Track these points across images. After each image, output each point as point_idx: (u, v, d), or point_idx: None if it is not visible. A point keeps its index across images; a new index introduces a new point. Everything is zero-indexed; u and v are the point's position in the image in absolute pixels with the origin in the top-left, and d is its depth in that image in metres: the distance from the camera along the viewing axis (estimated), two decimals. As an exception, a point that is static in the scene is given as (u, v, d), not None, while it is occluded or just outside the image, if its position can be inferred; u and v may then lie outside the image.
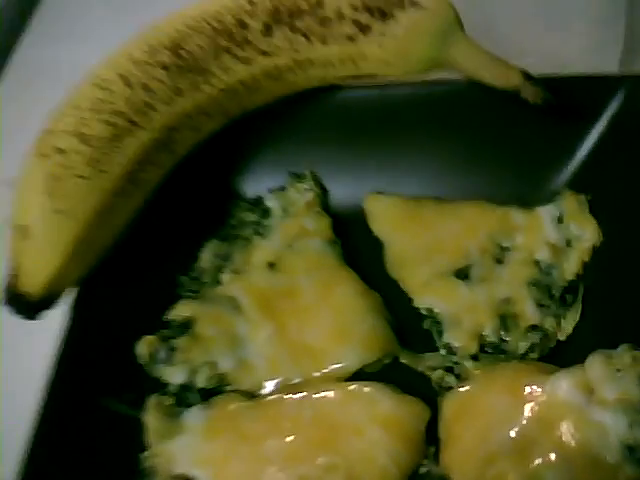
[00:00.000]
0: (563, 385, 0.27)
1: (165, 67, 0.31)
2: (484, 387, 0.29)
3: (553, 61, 0.35)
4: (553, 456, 0.26)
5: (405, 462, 0.29)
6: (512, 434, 0.27)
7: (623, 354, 0.26)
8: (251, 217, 0.36)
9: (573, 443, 0.26)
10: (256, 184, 0.36)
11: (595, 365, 0.27)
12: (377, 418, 0.29)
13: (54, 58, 0.52)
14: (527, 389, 0.28)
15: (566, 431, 0.26)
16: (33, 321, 0.30)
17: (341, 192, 0.36)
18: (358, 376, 0.31)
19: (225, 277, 0.34)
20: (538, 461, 0.27)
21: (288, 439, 0.29)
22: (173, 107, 0.32)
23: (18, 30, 0.56)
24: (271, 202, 0.36)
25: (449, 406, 0.29)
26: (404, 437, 0.29)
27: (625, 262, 0.31)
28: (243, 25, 0.32)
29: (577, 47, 0.37)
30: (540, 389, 0.28)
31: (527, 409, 0.27)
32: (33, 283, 0.29)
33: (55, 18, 0.53)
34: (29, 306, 0.29)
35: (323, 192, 0.36)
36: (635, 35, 0.39)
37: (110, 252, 0.32)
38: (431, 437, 0.29)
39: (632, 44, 0.38)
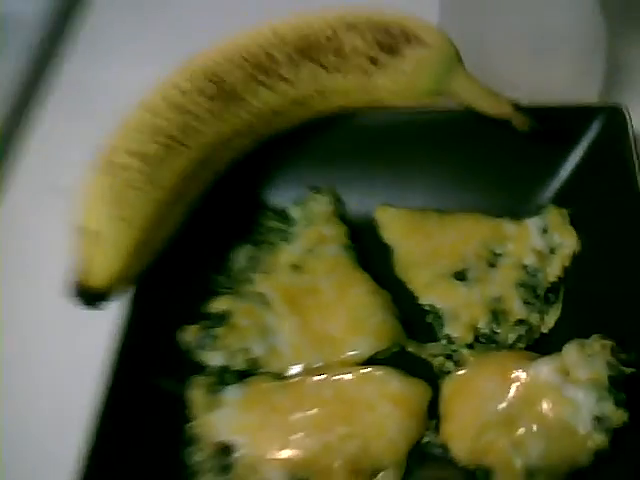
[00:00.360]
0: (544, 369, 0.31)
1: (207, 96, 0.34)
2: (478, 371, 0.33)
3: (539, 93, 0.37)
4: (534, 427, 0.30)
5: (411, 433, 0.32)
6: (500, 409, 0.31)
7: (594, 342, 0.30)
8: (277, 225, 0.38)
9: (551, 416, 0.30)
10: (282, 197, 0.39)
11: (570, 351, 0.30)
12: (387, 396, 0.32)
13: (98, 79, 0.52)
14: (514, 373, 0.31)
15: (545, 406, 0.30)
16: (97, 311, 0.33)
17: (355, 204, 0.39)
18: (371, 361, 0.34)
19: (256, 276, 0.37)
20: (522, 431, 0.30)
21: (311, 412, 0.32)
22: (213, 130, 0.35)
23: (63, 49, 0.56)
24: (295, 212, 0.39)
25: (448, 387, 0.33)
26: (410, 412, 0.32)
27: (599, 267, 0.34)
28: (272, 59, 0.35)
29: (561, 81, 0.39)
30: (525, 372, 0.31)
31: (513, 389, 0.31)
32: (99, 279, 0.32)
33: (100, 40, 0.55)
34: (95, 298, 0.33)
35: (339, 204, 0.39)
36: (611, 71, 0.41)
37: (161, 254, 0.35)
38: (432, 412, 0.32)
39: (609, 78, 0.41)
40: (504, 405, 0.31)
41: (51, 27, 0.57)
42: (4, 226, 0.46)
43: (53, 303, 0.36)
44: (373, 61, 0.36)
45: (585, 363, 0.30)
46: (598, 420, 0.29)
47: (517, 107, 0.35)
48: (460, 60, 0.36)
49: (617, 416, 0.29)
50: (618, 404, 0.29)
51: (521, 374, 0.31)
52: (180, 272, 0.36)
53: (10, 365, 0.39)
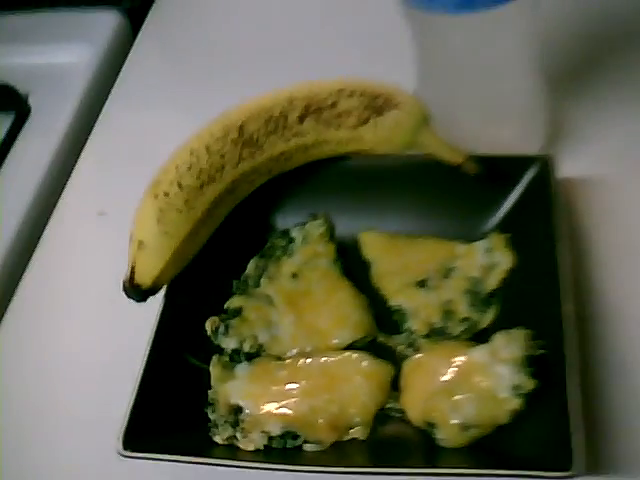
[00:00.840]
0: (479, 353, 0.36)
1: (233, 141, 0.41)
2: (430, 355, 0.38)
3: (489, 146, 0.43)
4: (468, 394, 0.36)
5: (377, 400, 0.38)
6: (444, 382, 0.36)
7: (515, 332, 0.36)
8: (281, 243, 0.44)
9: (481, 385, 0.35)
10: (286, 220, 0.45)
11: (498, 338, 0.36)
12: (360, 372, 0.38)
13: (138, 122, 0.58)
14: (457, 356, 0.37)
15: (477, 378, 0.36)
16: (143, 303, 0.40)
17: (343, 228, 0.44)
18: (350, 347, 0.39)
19: (263, 281, 0.42)
20: (459, 397, 0.36)
21: (302, 383, 0.38)
22: (237, 168, 0.41)
23: (106, 94, 0.61)
24: (295, 233, 0.44)
25: (407, 366, 0.38)
26: (377, 384, 0.38)
27: (526, 279, 0.39)
28: (285, 116, 0.42)
29: (509, 137, 0.45)
30: (465, 356, 0.37)
31: (455, 367, 0.36)
32: (144, 278, 0.39)
33: (138, 87, 0.61)
34: (140, 293, 0.39)
35: (331, 227, 0.44)
36: (551, 129, 0.47)
37: (192, 261, 0.41)
38: (395, 386, 0.38)
39: (549, 134, 0.47)
40: (447, 378, 0.36)
41: (98, 75, 0.62)
42: (62, 241, 0.52)
43: (108, 299, 0.43)
44: (362, 120, 0.42)
45: (508, 346, 0.35)
46: (515, 388, 0.35)
47: (469, 157, 0.42)
48: (428, 121, 0.42)
49: (529, 384, 0.34)
50: (530, 375, 0.34)
51: (462, 357, 0.37)
52: (206, 276, 0.42)
53: (73, 345, 0.46)
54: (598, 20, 0.55)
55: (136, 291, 0.39)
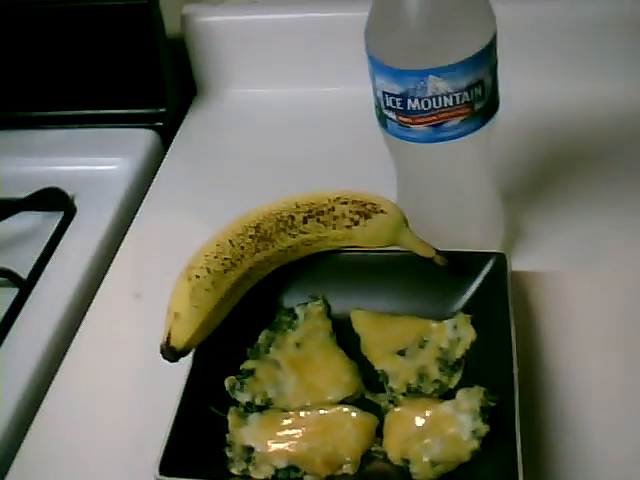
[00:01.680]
0: (446, 406, 0.43)
1: (251, 237, 0.48)
2: (408, 408, 0.44)
3: (455, 245, 0.50)
4: (437, 438, 0.41)
5: (364, 444, 0.43)
6: (418, 429, 0.42)
7: (474, 389, 0.42)
8: (287, 318, 0.50)
9: (447, 431, 0.41)
10: (291, 300, 0.51)
11: (461, 393, 0.43)
12: (350, 421, 0.44)
13: (166, 224, 0.64)
14: (429, 410, 0.43)
15: (444, 425, 0.42)
16: (176, 363, 0.45)
17: (338, 307, 0.51)
18: (342, 402, 0.45)
19: (272, 349, 0.48)
20: (428, 440, 0.41)
21: (303, 429, 0.44)
22: (253, 258, 0.48)
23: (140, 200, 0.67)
24: (298, 311, 0.50)
25: (389, 417, 0.44)
26: (365, 431, 0.44)
27: (485, 349, 0.46)
28: (292, 217, 0.49)
29: (473, 237, 0.53)
30: (434, 409, 0.43)
31: (426, 418, 0.43)
32: (178, 342, 0.45)
33: (168, 194, 0.67)
34: (174, 355, 0.45)
35: (328, 307, 0.50)
36: (505, 231, 0.55)
37: (215, 331, 0.47)
38: (379, 433, 0.43)
39: (504, 236, 0.55)
40: (420, 427, 0.42)
41: (134, 183, 0.69)
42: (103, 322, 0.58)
43: (147, 363, 0.50)
44: (354, 222, 0.49)
45: (468, 399, 0.42)
46: (473, 432, 0.40)
47: (438, 251, 0.48)
48: (406, 222, 0.49)
49: (484, 429, 0.40)
50: (485, 422, 0.41)
51: (432, 410, 0.43)
52: (226, 343, 0.48)
53: (121, 403, 0.51)
54: (546, 136, 0.64)
55: (171, 352, 0.45)
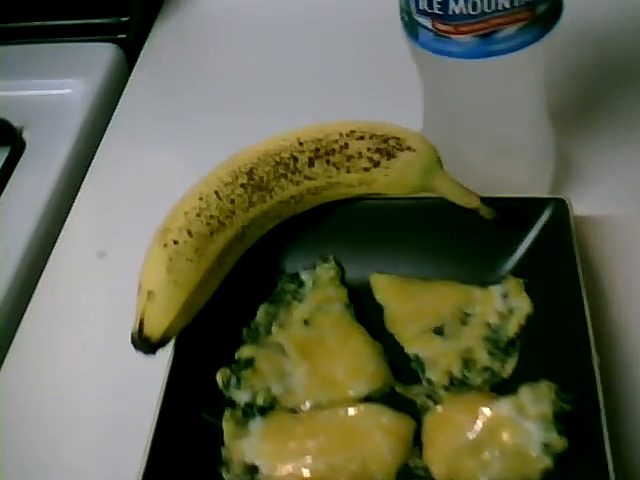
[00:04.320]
0: (504, 406, 0.34)
1: (243, 186, 0.39)
2: (452, 408, 0.36)
3: (496, 189, 0.41)
4: (496, 451, 0.33)
5: (399, 456, 0.35)
6: (469, 438, 0.34)
7: (542, 385, 0.34)
8: (291, 287, 0.41)
9: (509, 442, 0.33)
10: (295, 264, 0.42)
11: (524, 392, 0.34)
12: (380, 427, 0.35)
13: (136, 157, 0.54)
14: (480, 409, 0.35)
15: (504, 435, 0.33)
16: (152, 355, 0.37)
17: (354, 271, 0.42)
18: (366, 399, 0.37)
19: (274, 329, 0.40)
20: (486, 454, 0.33)
21: (320, 439, 0.35)
22: (247, 213, 0.39)
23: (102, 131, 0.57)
24: (305, 277, 0.42)
25: (428, 420, 0.36)
26: (398, 440, 0.35)
27: (547, 326, 0.38)
28: (295, 159, 0.40)
29: (518, 179, 0.44)
30: (489, 409, 0.34)
31: (480, 422, 0.34)
32: (154, 331, 0.36)
33: (136, 121, 0.57)
34: (150, 346, 0.36)
35: (342, 271, 0.42)
36: (559, 170, 0.46)
37: (202, 310, 0.38)
38: (416, 441, 0.35)
39: (558, 175, 0.46)
40: (472, 434, 0.34)
41: (94, 109, 0.59)
42: (61, 283, 0.48)
43: (116, 351, 0.40)
44: (373, 162, 0.40)
45: (535, 401, 0.33)
46: (545, 446, 0.32)
47: (482, 199, 0.40)
48: (440, 163, 0.40)
49: (560, 443, 0.32)
50: (560, 433, 0.32)
51: (486, 410, 0.34)
52: (215, 324, 0.39)
53: (81, 396, 0.42)
54: (603, 64, 0.54)
55: (145, 344, 0.36)
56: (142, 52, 0.63)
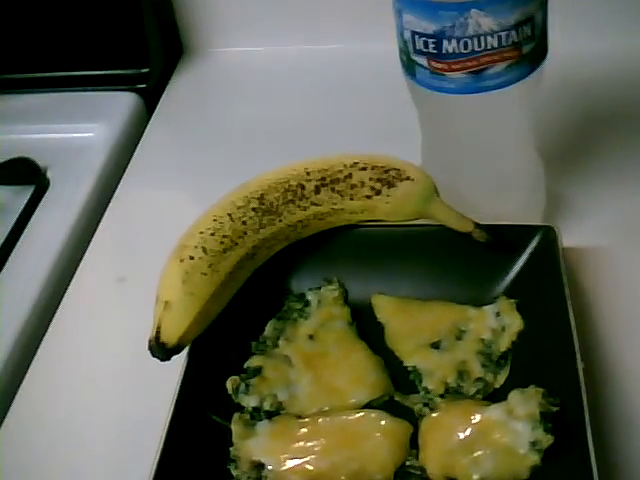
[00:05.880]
0: (495, 410, 0.37)
1: (254, 209, 0.42)
2: (447, 414, 0.38)
3: (490, 216, 0.44)
4: (487, 450, 0.35)
5: (397, 458, 0.37)
6: (462, 439, 0.36)
7: (530, 389, 0.36)
8: (297, 306, 0.44)
9: (500, 441, 0.35)
10: (301, 285, 0.45)
11: (514, 395, 0.36)
12: (379, 429, 0.38)
13: (151, 197, 0.58)
14: (473, 415, 0.37)
15: (495, 435, 0.36)
16: (167, 361, 0.39)
17: (357, 292, 0.45)
18: (367, 406, 0.39)
19: (281, 342, 0.42)
20: (478, 453, 0.36)
21: (323, 440, 0.38)
22: (258, 234, 0.42)
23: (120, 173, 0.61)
24: (310, 297, 0.44)
25: (424, 425, 0.38)
26: (397, 442, 0.38)
27: (536, 341, 0.40)
28: (302, 187, 0.43)
29: (511, 208, 0.46)
30: (480, 414, 0.37)
31: (472, 426, 0.36)
32: (169, 337, 0.39)
33: (152, 164, 0.61)
34: (165, 352, 0.39)
35: (345, 291, 0.45)
36: (550, 200, 0.48)
37: (213, 322, 0.41)
38: (413, 444, 0.38)
39: (549, 205, 0.48)
40: (465, 436, 0.36)
41: (114, 152, 0.62)
42: (81, 308, 0.51)
43: (132, 360, 0.43)
44: (375, 191, 0.43)
45: (523, 403, 0.36)
46: (533, 444, 0.35)
47: (477, 225, 0.42)
48: (436, 192, 0.43)
49: (546, 440, 0.34)
50: (547, 431, 0.34)
51: (479, 415, 0.37)
52: (227, 336, 0.42)
53: (101, 403, 0.45)
54: (593, 98, 0.57)
55: (161, 349, 0.39)
56: (160, 101, 0.67)
